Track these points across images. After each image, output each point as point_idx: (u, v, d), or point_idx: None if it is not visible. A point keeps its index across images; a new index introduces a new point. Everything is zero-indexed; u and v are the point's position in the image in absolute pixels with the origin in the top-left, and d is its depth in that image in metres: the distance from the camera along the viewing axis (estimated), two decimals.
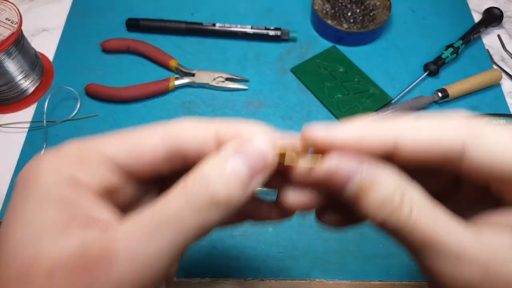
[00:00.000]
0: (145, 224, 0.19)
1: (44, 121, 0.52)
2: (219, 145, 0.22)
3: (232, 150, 0.21)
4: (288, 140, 0.23)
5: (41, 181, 0.20)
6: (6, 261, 0.18)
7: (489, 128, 0.20)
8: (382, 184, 0.20)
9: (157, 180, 0.23)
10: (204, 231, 0.20)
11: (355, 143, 0.21)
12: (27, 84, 0.54)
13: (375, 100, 0.55)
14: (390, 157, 0.21)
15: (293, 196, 0.23)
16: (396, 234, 0.20)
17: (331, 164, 0.21)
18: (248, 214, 0.27)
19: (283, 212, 0.25)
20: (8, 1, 0.51)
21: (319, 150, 0.22)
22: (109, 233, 0.19)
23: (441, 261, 0.19)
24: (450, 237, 0.19)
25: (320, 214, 0.25)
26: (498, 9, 0.62)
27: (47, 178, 0.20)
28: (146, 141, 0.22)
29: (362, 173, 0.20)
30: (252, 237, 0.44)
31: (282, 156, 0.22)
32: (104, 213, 0.20)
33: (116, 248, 0.18)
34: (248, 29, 0.60)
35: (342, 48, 0.60)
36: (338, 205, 0.24)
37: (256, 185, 0.21)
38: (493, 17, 0.61)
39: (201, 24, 0.60)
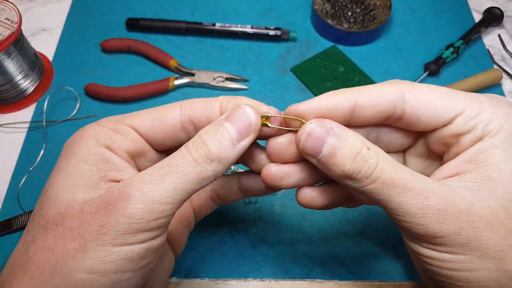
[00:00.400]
0: (154, 172, 0.24)
1: (44, 121, 0.52)
2: (222, 114, 0.27)
3: (224, 117, 0.26)
4: (273, 110, 0.28)
5: (82, 144, 0.26)
6: (49, 203, 0.24)
7: (419, 84, 0.27)
8: (350, 140, 0.25)
9: (173, 150, 0.28)
10: (201, 182, 0.25)
11: (326, 107, 0.26)
12: (27, 84, 0.54)
13: None
14: (351, 122, 0.27)
15: (274, 168, 0.29)
16: (367, 180, 0.24)
17: (309, 127, 0.26)
18: (246, 188, 0.32)
19: (269, 186, 0.30)
20: (8, 1, 0.51)
21: (297, 126, 0.27)
22: (127, 180, 0.24)
23: (410, 197, 0.24)
24: (414, 178, 0.25)
25: (298, 192, 0.30)
26: (499, 9, 0.62)
27: (88, 142, 0.26)
28: (166, 112, 0.28)
29: (334, 133, 0.25)
30: (252, 237, 0.44)
31: (266, 121, 0.27)
32: (130, 169, 0.26)
33: (131, 189, 0.23)
34: (248, 29, 0.60)
35: (342, 48, 0.60)
36: (313, 184, 0.30)
37: (245, 145, 0.26)
38: (493, 17, 0.61)
39: (201, 24, 0.60)
